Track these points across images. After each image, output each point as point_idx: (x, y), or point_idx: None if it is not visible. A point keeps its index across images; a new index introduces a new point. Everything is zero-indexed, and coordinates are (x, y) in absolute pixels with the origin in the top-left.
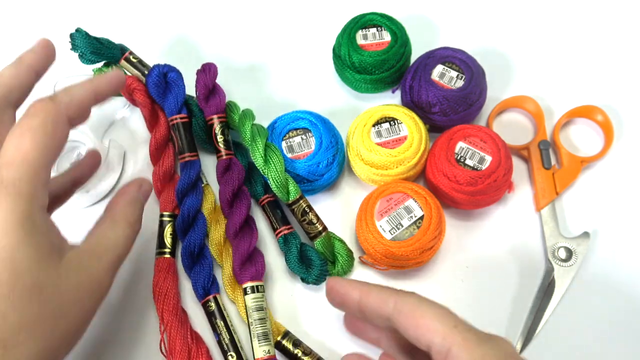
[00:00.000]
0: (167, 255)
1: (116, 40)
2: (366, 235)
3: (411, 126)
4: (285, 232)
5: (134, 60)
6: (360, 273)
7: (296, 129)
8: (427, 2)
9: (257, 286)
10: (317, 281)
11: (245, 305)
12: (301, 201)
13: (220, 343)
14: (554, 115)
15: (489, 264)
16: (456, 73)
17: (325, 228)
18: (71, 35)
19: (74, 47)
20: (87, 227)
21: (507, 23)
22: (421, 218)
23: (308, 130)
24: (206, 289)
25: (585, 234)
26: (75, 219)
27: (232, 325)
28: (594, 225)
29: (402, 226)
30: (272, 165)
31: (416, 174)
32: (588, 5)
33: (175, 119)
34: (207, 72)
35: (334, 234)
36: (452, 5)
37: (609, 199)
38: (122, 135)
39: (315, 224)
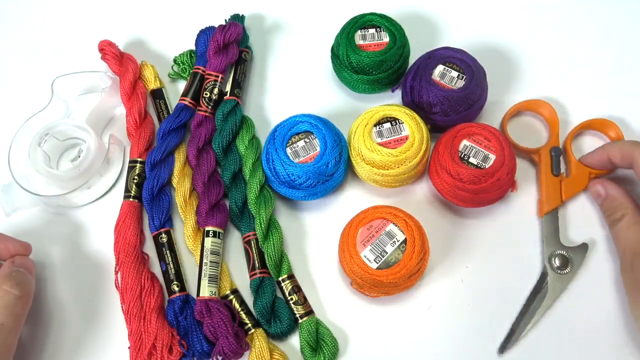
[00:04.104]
0: (132, 199)
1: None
2: (352, 266)
3: (412, 126)
4: (264, 275)
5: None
6: (350, 297)
7: (298, 134)
8: (427, 2)
9: (218, 232)
10: (280, 336)
11: (203, 247)
12: (291, 280)
13: (166, 273)
14: (566, 123)
15: (489, 265)
16: (457, 73)
17: (312, 311)
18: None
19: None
20: (89, 223)
21: (510, 21)
22: (404, 242)
23: (310, 132)
24: (162, 222)
25: (584, 245)
26: (77, 216)
27: (180, 259)
28: (594, 238)
29: (387, 253)
30: (271, 241)
31: (417, 174)
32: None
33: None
34: (227, 29)
35: (320, 320)
36: (453, 4)
37: None
38: (122, 130)
39: (302, 304)
